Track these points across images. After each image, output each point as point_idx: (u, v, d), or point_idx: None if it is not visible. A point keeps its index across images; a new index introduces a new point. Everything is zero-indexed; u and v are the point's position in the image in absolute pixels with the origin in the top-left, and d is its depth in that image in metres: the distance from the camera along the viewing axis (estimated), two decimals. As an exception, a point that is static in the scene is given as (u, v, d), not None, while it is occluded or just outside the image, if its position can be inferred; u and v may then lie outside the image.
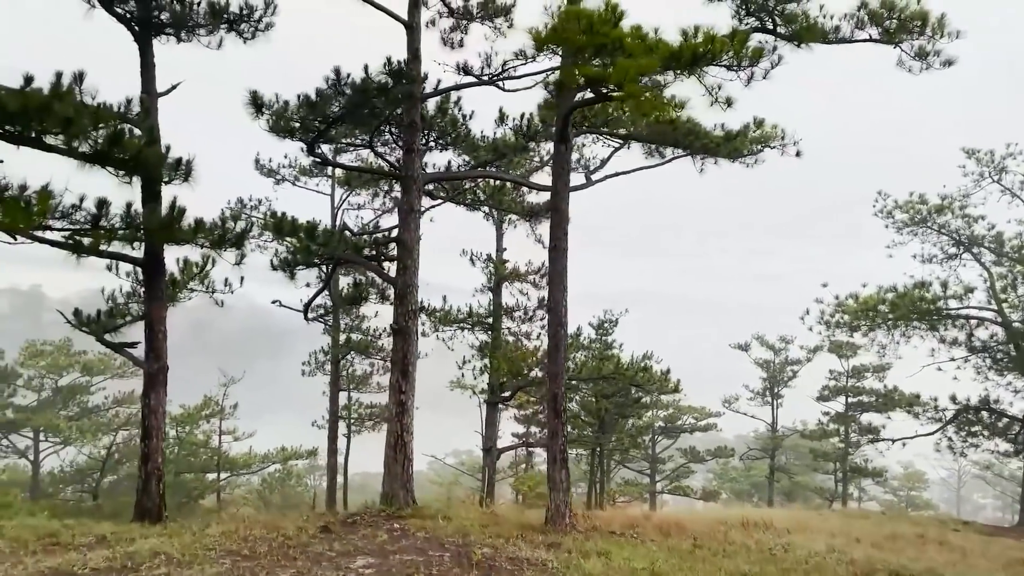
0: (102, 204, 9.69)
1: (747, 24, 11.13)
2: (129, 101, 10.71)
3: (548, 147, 19.08)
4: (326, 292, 28.24)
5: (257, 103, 11.64)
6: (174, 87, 11.96)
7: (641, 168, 17.45)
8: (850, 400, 44.80)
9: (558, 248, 12.13)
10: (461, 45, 16.30)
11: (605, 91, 9.20)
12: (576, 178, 18.57)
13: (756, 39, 10.13)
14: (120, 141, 9.64)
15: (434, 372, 32.69)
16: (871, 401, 43.13)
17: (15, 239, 9.98)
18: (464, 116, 16.95)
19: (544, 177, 19.49)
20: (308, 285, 27.82)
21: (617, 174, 16.91)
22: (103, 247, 10.29)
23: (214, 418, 38.35)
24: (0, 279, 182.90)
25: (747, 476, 64.19)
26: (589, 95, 11.22)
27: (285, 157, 27.75)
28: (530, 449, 29.43)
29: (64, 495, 38.86)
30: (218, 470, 36.97)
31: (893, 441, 34.82)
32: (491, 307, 27.07)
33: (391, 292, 21.19)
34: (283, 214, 15.71)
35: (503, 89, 14.84)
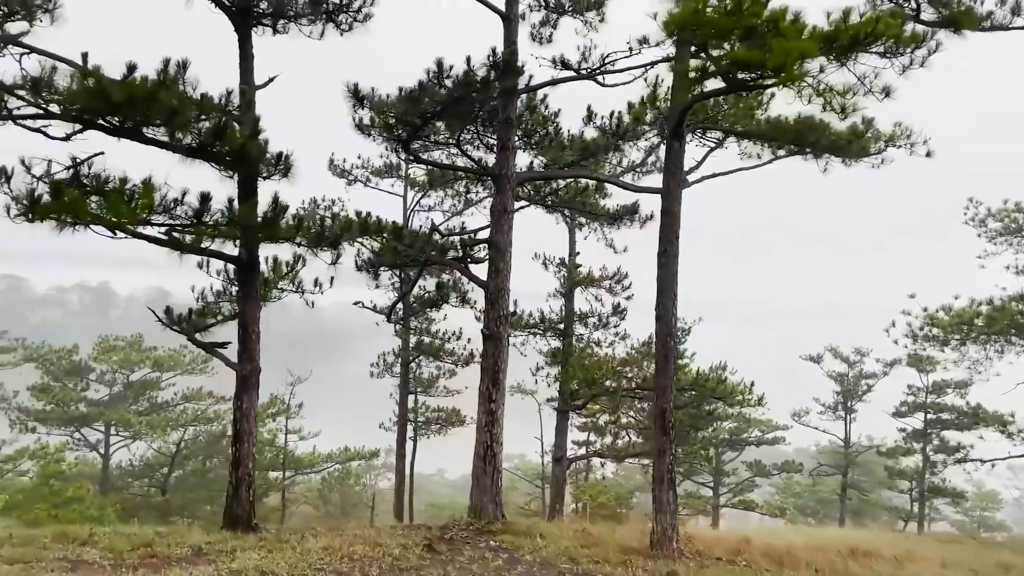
0: (205, 199, 9.28)
1: (881, 9, 10.19)
2: (229, 93, 10.31)
3: (636, 146, 18.26)
4: (394, 295, 27.94)
5: (359, 96, 11.16)
6: (271, 80, 11.55)
7: (739, 169, 16.58)
8: (929, 417, 42.72)
9: (669, 252, 11.35)
10: (550, 40, 15.67)
11: (752, 78, 8.42)
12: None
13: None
14: (224, 134, 9.23)
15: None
16: (952, 419, 41.05)
17: (115, 234, 9.66)
18: (552, 114, 16.35)
19: (631, 178, 18.67)
20: (378, 287, 27.60)
21: (715, 175, 16.04)
22: (204, 244, 9.89)
23: (280, 417, 38.48)
24: (70, 275, 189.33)
25: (812, 492, 61.96)
26: (710, 86, 10.43)
27: (359, 157, 27.54)
28: (602, 460, 28.58)
29: (133, 489, 39.46)
30: (283, 469, 37.04)
31: (983, 462, 32.90)
32: (563, 313, 26.34)
33: (472, 295, 20.71)
34: (368, 214, 15.27)
35: (601, 84, 14.13)
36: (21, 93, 9.17)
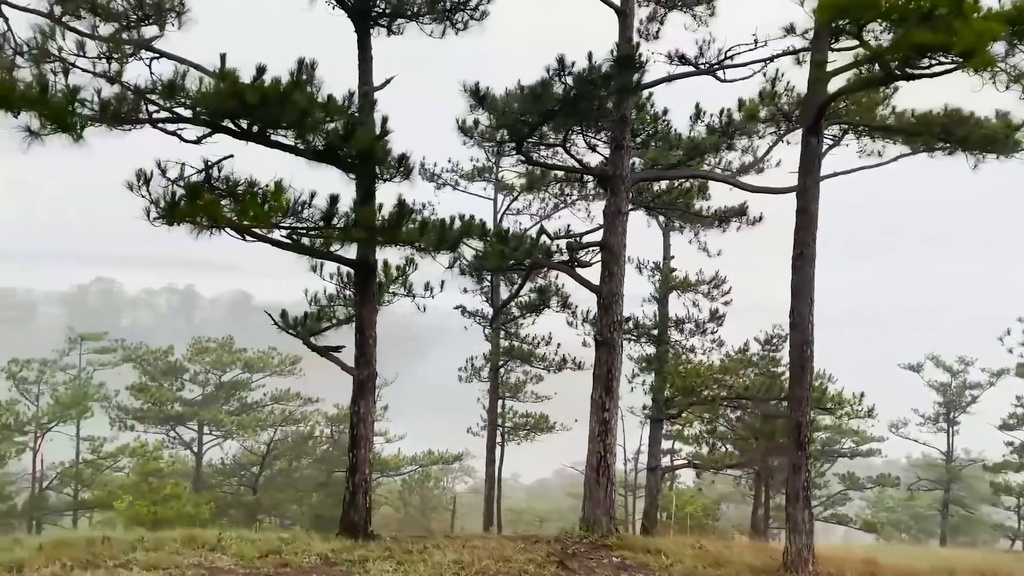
0: (334, 201, 9.13)
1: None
2: (351, 94, 10.15)
3: (743, 144, 17.49)
4: (485, 299, 27.74)
5: (478, 95, 10.88)
6: (388, 81, 11.38)
7: (863, 167, 15.66)
8: (1041, 430, 40.12)
9: (805, 255, 10.66)
10: (657, 37, 15.11)
11: (927, 65, 7.72)
12: (774, 178, 16.97)
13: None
14: (353, 136, 9.05)
15: (572, 381, 31.62)
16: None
17: (244, 237, 9.62)
18: (662, 111, 15.78)
19: (744, 179, 17.87)
20: (466, 291, 27.45)
21: (836, 174, 15.14)
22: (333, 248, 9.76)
23: (365, 419, 38.88)
24: (159, 279, 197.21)
25: (906, 507, 59.01)
26: (852, 76, 9.72)
27: (449, 161, 27.47)
28: (698, 471, 27.71)
29: (225, 487, 40.46)
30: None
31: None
32: (657, 318, 25.62)
33: (573, 300, 20.26)
34: (471, 216, 15.02)
35: (721, 80, 13.49)
36: (152, 97, 9.22)
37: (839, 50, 11.40)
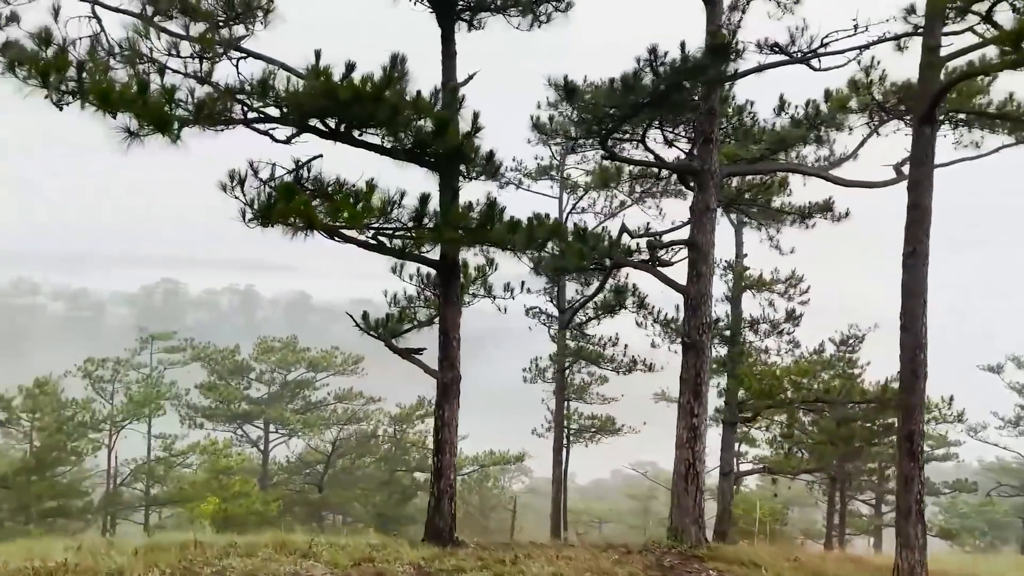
0: (425, 200, 8.87)
1: None
2: (437, 91, 9.88)
3: (836, 137, 16.69)
4: (548, 298, 27.35)
5: (569, 88, 10.50)
6: (471, 77, 11.07)
7: (962, 160, 14.79)
8: None
9: (918, 253, 9.98)
10: (739, 27, 14.49)
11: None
12: (851, 171, 16.11)
13: None
14: (445, 133, 8.76)
15: (637, 383, 30.94)
16: None
17: (333, 238, 9.43)
18: (748, 103, 15.17)
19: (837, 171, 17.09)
20: (529, 291, 27.05)
21: (936, 166, 14.28)
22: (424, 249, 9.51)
23: (428, 419, 38.87)
24: (220, 279, 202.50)
25: (980, 512, 56.55)
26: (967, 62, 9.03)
27: (513, 159, 27.17)
28: (773, 476, 26.86)
29: (289, 485, 40.98)
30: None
31: None
32: (729, 318, 24.84)
33: (650, 300, 19.72)
34: (546, 215, 14.65)
35: (815, 68, 12.83)
36: (240, 97, 9.09)
37: (951, 34, 10.70)
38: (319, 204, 8.61)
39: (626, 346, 26.12)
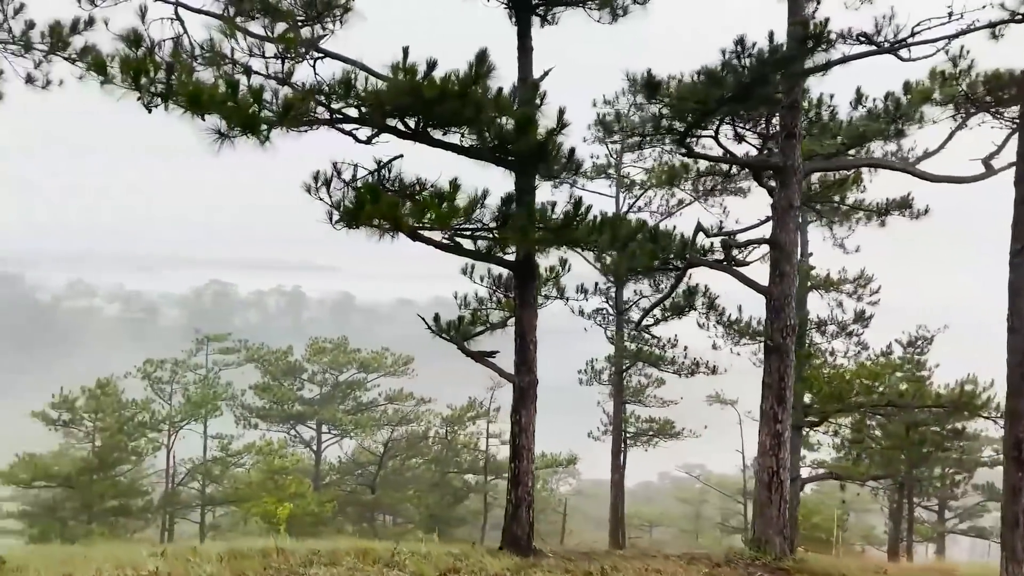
0: (509, 200, 8.61)
1: None
2: (515, 88, 9.61)
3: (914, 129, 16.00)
4: (604, 299, 26.91)
5: (652, 83, 10.14)
6: (547, 73, 10.78)
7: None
8: None
9: (1026, 251, 9.40)
10: (812, 17, 13.95)
11: None
12: (947, 165, 15.42)
13: None
14: (529, 131, 8.49)
15: (688, 385, 30.30)
16: None
17: (413, 240, 9.23)
18: (827, 96, 14.61)
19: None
20: (585, 294, 26.64)
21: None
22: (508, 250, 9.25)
23: (480, 420, 38.73)
24: (267, 280, 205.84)
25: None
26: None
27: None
28: (842, 482, 26.04)
29: (342, 485, 41.22)
30: (485, 474, 37.17)
31: None
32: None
33: (721, 302, 19.20)
34: (615, 214, 14.30)
35: (903, 59, 12.25)
36: (319, 97, 8.94)
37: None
38: (402, 205, 8.40)
39: (686, 348, 25.59)
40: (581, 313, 26.53)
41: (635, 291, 24.74)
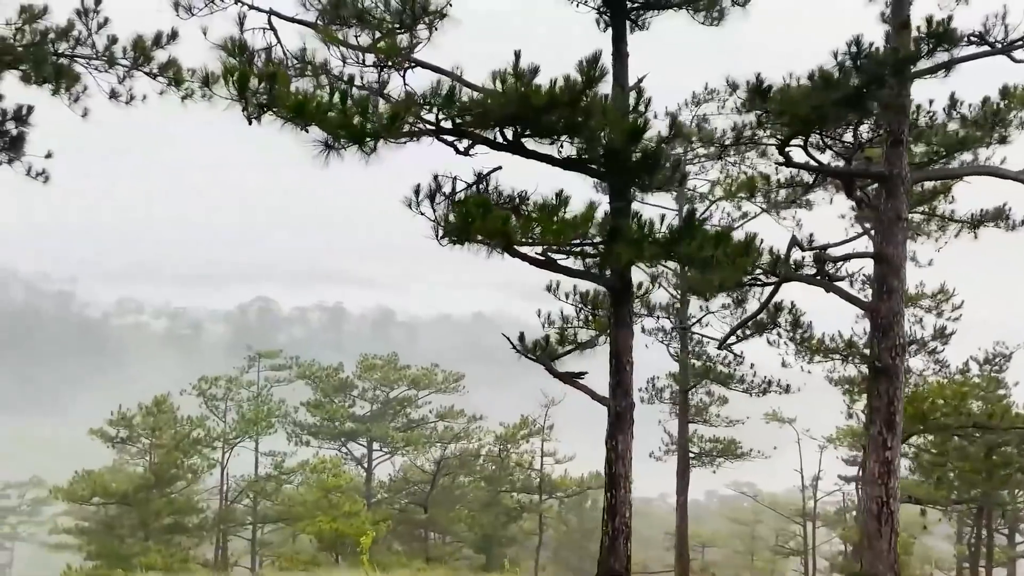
0: (617, 214, 8.07)
1: None
2: (608, 97, 9.08)
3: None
4: (666, 315, 26.15)
5: (762, 88, 9.53)
6: (642, 79, 10.26)
7: None
8: None
9: None
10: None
11: None
12: None
13: None
14: (639, 139, 7.96)
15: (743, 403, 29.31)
16: None
17: (503, 256, 8.74)
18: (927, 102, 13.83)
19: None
20: (650, 311, 25.91)
21: None
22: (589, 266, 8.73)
23: (533, 438, 37.98)
24: (309, 296, 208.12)
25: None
26: None
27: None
28: (921, 506, 24.81)
29: (392, 504, 40.79)
30: (540, 492, 36.46)
31: None
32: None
33: (806, 319, 18.34)
34: (724, 227, 13.66)
35: (1016, 60, 11.49)
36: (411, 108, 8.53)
37: None
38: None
39: (752, 365, 24.72)
40: (643, 330, 25.82)
41: (700, 307, 24.01)
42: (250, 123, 7.23)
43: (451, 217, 7.38)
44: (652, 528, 68.78)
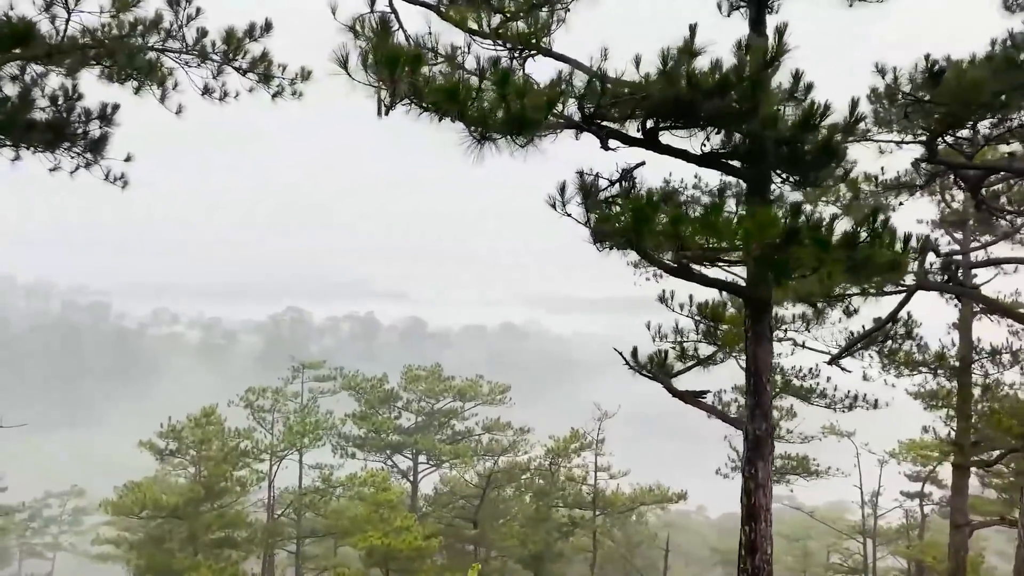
0: (797, 212, 7.08)
1: None
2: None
3: None
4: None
5: (935, 71, 8.46)
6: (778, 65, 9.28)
7: None
8: None
9: None
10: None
11: None
12: None
13: None
14: (816, 127, 6.98)
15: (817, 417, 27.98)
16: None
17: (643, 257, 7.81)
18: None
19: None
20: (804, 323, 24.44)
21: None
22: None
23: (585, 452, 36.86)
24: (341, 307, 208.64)
25: None
26: None
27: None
28: (1017, 528, 23.27)
29: (438, 518, 39.86)
30: (594, 509, 35.28)
31: None
32: (956, 346, 21.73)
33: (919, 331, 17.19)
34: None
35: None
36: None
37: None
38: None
39: (829, 378, 23.40)
40: (803, 345, 24.50)
41: (784, 316, 22.78)
42: (383, 115, 6.37)
43: (594, 218, 6.45)
44: (693, 543, 67.06)
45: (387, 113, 6.36)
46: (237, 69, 10.16)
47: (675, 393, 10.27)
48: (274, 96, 10.50)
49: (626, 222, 6.25)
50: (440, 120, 6.38)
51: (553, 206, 6.91)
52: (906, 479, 41.21)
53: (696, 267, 8.73)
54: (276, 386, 38.28)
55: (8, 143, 9.31)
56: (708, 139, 7.95)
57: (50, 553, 58.30)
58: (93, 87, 10.41)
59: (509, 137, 6.07)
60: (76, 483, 58.97)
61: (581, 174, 7.08)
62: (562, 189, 6.96)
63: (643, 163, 7.72)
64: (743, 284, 9.28)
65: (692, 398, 10.19)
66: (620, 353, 10.70)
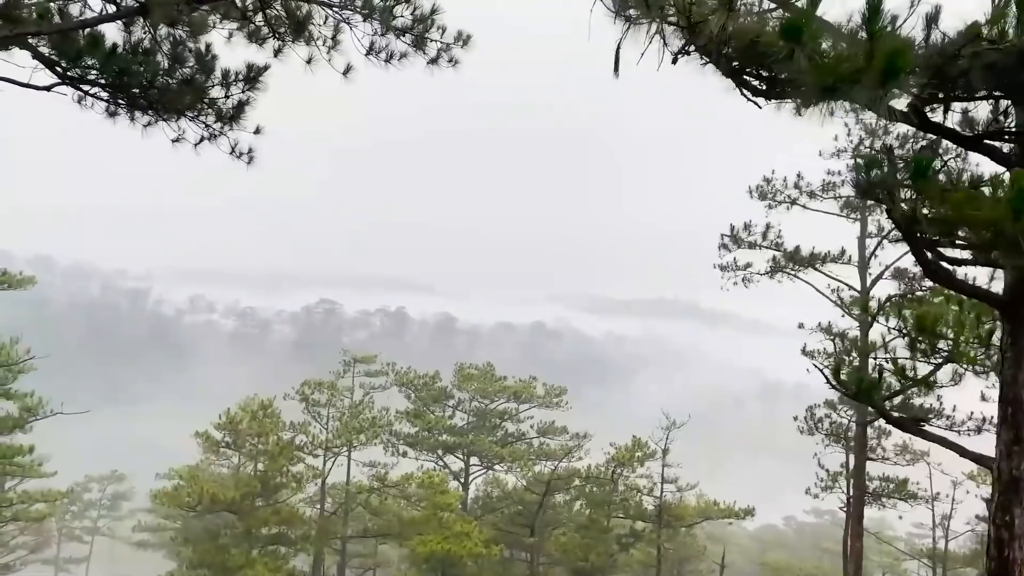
0: None
1: None
2: None
3: None
4: (825, 336, 23.32)
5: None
6: None
7: None
8: None
9: None
10: None
11: None
12: None
13: None
14: None
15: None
16: None
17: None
18: None
19: None
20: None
21: None
22: None
23: (648, 461, 35.29)
24: (372, 301, 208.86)
25: None
26: None
27: (800, 177, 23.58)
28: None
29: (492, 520, 38.53)
30: (659, 523, 33.69)
31: None
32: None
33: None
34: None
35: None
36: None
37: None
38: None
39: (940, 397, 21.69)
40: (804, 351, 23.12)
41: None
42: (674, 61, 4.98)
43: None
44: (741, 557, 64.96)
45: (674, 62, 4.97)
46: (394, 28, 8.85)
47: (891, 420, 8.76)
48: (429, 63, 9.18)
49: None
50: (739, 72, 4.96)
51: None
52: (983, 502, 39.18)
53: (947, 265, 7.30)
54: (329, 380, 37.24)
55: (144, 105, 8.08)
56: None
57: (88, 537, 58.11)
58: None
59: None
60: (116, 468, 58.73)
61: (890, 148, 5.62)
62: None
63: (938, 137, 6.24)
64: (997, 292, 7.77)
65: (914, 427, 8.70)
66: (820, 370, 9.23)
